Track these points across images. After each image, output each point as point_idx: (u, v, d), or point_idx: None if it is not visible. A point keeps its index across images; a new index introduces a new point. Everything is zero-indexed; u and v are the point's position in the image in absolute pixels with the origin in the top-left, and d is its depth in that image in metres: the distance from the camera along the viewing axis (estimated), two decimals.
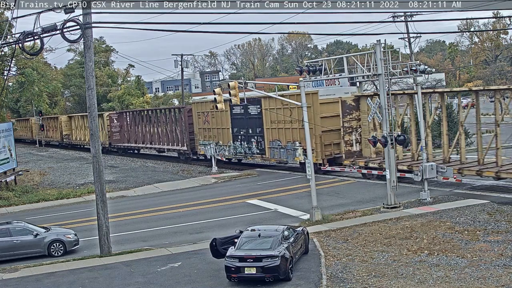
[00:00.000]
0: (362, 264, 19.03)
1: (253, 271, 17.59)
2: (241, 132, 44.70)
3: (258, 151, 43.07)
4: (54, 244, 24.07)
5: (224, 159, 47.66)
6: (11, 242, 23.77)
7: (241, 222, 26.69)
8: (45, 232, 24.48)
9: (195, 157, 52.65)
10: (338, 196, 31.43)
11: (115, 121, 65.19)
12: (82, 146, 76.44)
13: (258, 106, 42.38)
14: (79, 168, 53.11)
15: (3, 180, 40.33)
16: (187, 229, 27.07)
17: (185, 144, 52.52)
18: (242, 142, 44.64)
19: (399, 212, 25.83)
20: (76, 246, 24.84)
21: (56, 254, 23.93)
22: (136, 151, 64.98)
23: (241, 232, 19.68)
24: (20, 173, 44.73)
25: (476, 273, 17.31)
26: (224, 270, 18.10)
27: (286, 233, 19.07)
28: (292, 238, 19.15)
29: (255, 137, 43.12)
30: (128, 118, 64.69)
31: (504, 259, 18.38)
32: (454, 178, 29.33)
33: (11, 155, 41.64)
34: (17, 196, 38.83)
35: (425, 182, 27.87)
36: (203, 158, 50.93)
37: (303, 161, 35.13)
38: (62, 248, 24.22)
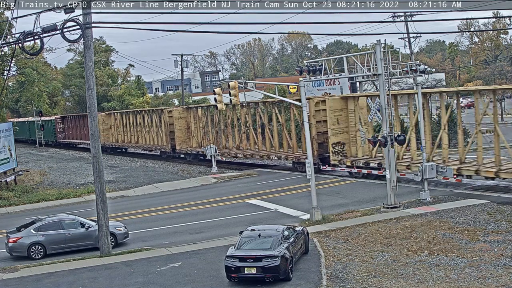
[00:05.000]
0: (362, 264, 19.03)
1: (253, 271, 17.59)
2: None
3: None
4: None
5: (223, 159, 47.66)
6: (63, 235, 24.05)
7: (241, 222, 26.69)
8: (95, 225, 24.49)
9: None
10: (338, 196, 31.43)
11: None
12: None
13: None
14: (79, 168, 53.09)
15: (3, 180, 40.32)
16: (187, 229, 27.07)
17: None
18: None
19: (399, 212, 25.83)
20: (127, 239, 25.07)
21: None
22: None
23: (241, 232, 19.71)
24: (20, 173, 44.72)
25: (476, 273, 17.32)
26: (224, 270, 18.11)
27: (286, 233, 19.08)
28: (292, 238, 19.15)
29: None
30: None
31: (504, 259, 18.38)
32: (454, 178, 29.33)
33: (11, 155, 41.64)
34: (17, 196, 38.83)
35: (425, 182, 27.86)
36: None
37: None
38: (113, 240, 24.33)
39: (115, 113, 69.86)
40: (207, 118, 50.86)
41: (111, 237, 24.22)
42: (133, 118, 63.48)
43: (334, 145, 36.81)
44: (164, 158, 56.33)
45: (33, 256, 23.55)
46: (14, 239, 23.70)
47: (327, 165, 37.20)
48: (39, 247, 23.70)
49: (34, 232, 23.86)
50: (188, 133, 53.55)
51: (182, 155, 54.48)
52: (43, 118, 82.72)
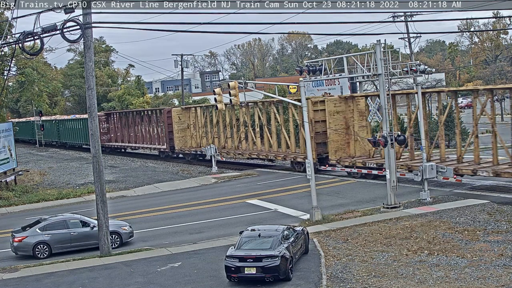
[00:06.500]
0: (362, 264, 19.04)
1: (253, 271, 17.60)
2: None
3: None
4: (111, 236, 23.97)
5: (223, 159, 47.59)
6: (69, 234, 24.10)
7: (241, 222, 26.69)
8: None
9: None
10: (338, 196, 31.43)
11: None
12: None
13: None
14: (79, 168, 53.08)
15: (3, 180, 40.31)
16: (187, 229, 27.07)
17: None
18: None
19: (399, 212, 25.84)
20: (131, 238, 25.11)
21: (112, 246, 23.89)
22: None
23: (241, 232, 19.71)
24: (20, 173, 44.72)
25: (476, 273, 17.32)
26: (224, 270, 18.11)
27: (286, 233, 19.08)
28: (292, 238, 19.16)
29: None
30: None
31: (504, 259, 18.38)
32: (454, 178, 29.33)
33: (11, 155, 41.63)
34: (17, 196, 38.83)
35: (425, 182, 27.87)
36: None
37: None
38: (118, 240, 24.42)
39: (196, 108, 52.91)
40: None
41: (116, 237, 24.29)
42: (230, 114, 47.54)
43: None
44: (300, 171, 39.11)
45: (39, 255, 23.58)
46: (19, 238, 23.73)
47: None
48: (45, 247, 23.74)
49: (39, 231, 23.89)
50: (346, 136, 37.73)
51: (334, 167, 37.88)
52: (76, 116, 75.35)
